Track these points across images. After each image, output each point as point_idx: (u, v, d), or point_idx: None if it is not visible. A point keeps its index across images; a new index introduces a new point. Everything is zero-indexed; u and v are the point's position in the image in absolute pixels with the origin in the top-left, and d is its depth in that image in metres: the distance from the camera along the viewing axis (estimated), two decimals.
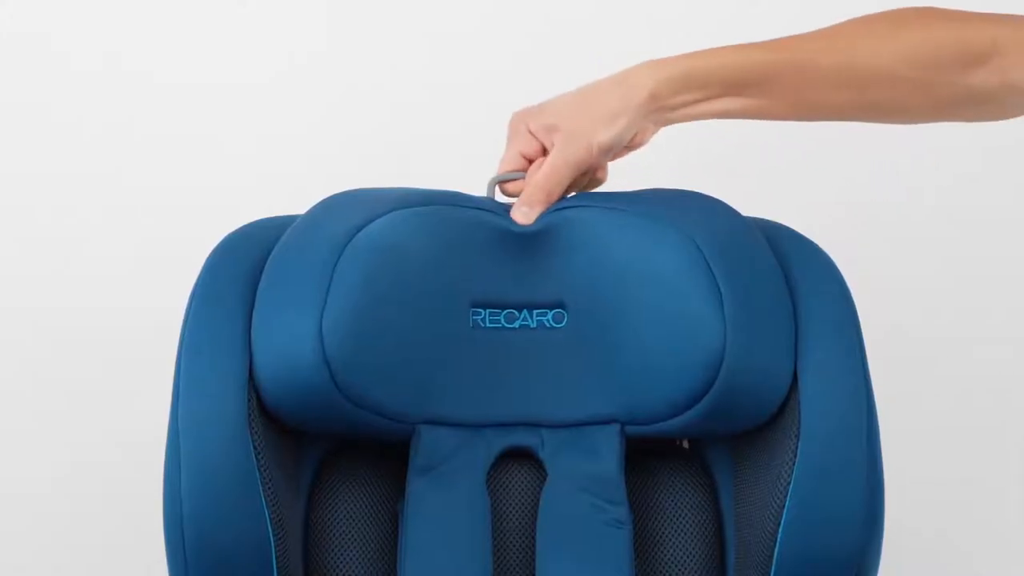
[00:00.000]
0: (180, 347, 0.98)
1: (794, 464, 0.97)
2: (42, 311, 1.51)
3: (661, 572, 1.02)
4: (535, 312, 1.02)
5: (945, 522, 1.58)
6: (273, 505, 0.96)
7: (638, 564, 1.01)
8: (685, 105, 1.03)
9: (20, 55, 1.50)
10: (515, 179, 1.05)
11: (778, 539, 0.97)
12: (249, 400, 0.96)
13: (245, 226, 1.04)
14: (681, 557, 1.02)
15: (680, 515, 1.03)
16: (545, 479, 1.00)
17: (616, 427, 1.00)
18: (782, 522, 0.97)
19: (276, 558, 0.96)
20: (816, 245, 1.04)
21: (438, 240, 1.00)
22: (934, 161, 1.55)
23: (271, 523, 0.96)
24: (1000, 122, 1.10)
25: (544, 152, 1.04)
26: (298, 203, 1.12)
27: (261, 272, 1.00)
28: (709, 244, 0.99)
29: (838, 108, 1.06)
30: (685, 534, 1.03)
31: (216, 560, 0.95)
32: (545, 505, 0.99)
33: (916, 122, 1.09)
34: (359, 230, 0.98)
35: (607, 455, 1.00)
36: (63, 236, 1.51)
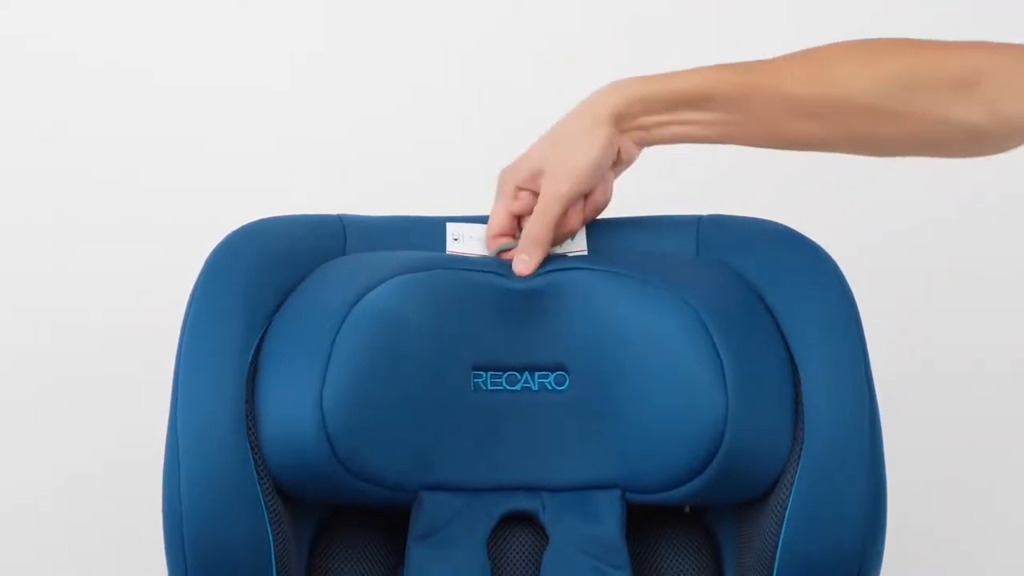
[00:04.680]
0: (180, 347, 0.98)
1: (798, 464, 0.97)
2: (42, 311, 1.51)
3: None
4: (536, 374, 1.01)
5: (947, 522, 1.58)
6: (271, 504, 0.96)
7: None
8: (657, 125, 1.02)
9: (23, 58, 1.50)
10: (511, 248, 1.04)
11: (780, 539, 0.97)
12: (247, 401, 0.96)
13: (245, 225, 1.04)
14: None
15: None
16: (546, 543, 1.00)
17: (617, 492, 1.00)
18: (784, 522, 0.97)
19: (276, 557, 0.96)
20: (817, 245, 1.04)
21: (438, 304, 0.99)
22: (935, 159, 1.55)
23: (270, 522, 0.96)
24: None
25: (533, 202, 1.03)
26: (298, 203, 1.12)
27: (261, 271, 1.00)
28: (709, 312, 0.98)
29: (813, 138, 1.03)
30: None
31: (215, 559, 0.95)
32: (547, 569, 0.99)
33: (896, 155, 1.06)
34: (359, 299, 0.98)
35: (609, 519, 0.99)
36: (63, 236, 1.51)
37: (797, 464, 0.97)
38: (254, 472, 0.95)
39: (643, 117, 1.01)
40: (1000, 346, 1.58)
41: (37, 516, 1.52)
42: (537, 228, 1.02)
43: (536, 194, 1.03)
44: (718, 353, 0.97)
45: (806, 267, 1.02)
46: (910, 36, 1.03)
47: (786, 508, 0.97)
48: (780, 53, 1.03)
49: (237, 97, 1.52)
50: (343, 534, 1.04)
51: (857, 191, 1.56)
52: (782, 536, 0.97)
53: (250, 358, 0.97)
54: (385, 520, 1.04)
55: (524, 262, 1.02)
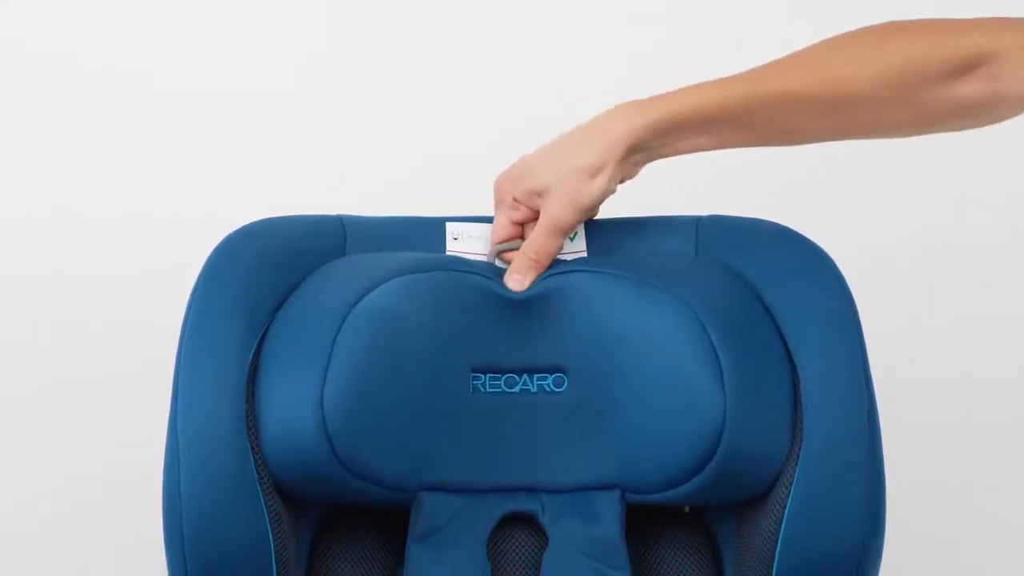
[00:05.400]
0: (180, 347, 0.98)
1: (797, 464, 0.97)
2: (42, 311, 1.51)
3: None
4: (535, 376, 1.01)
5: (947, 522, 1.58)
6: (272, 504, 0.96)
7: None
8: (666, 145, 1.02)
9: (23, 58, 1.50)
10: (514, 248, 1.04)
11: (779, 538, 0.97)
12: (247, 401, 0.96)
13: (246, 225, 1.04)
14: None
15: None
16: (546, 544, 1.00)
17: (617, 492, 1.00)
18: (784, 521, 0.97)
19: (276, 556, 0.96)
20: (817, 245, 1.04)
21: (437, 306, 1.00)
22: (937, 162, 1.55)
23: (270, 522, 0.96)
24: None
25: (534, 214, 1.04)
26: (298, 203, 1.12)
27: (261, 271, 1.00)
28: (708, 312, 0.98)
29: (821, 133, 1.04)
30: None
31: (215, 559, 0.95)
32: (546, 570, 0.99)
33: (902, 136, 1.08)
34: (359, 300, 0.98)
35: (608, 520, 1.00)
36: (63, 236, 1.51)
37: (796, 464, 0.97)
38: (254, 472, 0.95)
39: (653, 142, 1.01)
40: (1000, 347, 1.58)
41: (37, 516, 1.52)
42: (534, 254, 1.02)
43: (533, 210, 1.03)
44: (716, 353, 0.97)
45: (805, 267, 1.02)
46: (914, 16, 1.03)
47: (785, 507, 0.97)
48: (780, 52, 1.03)
49: (237, 97, 1.52)
50: (343, 534, 1.04)
51: (857, 191, 1.56)
52: (781, 535, 0.97)
53: (250, 358, 0.97)
54: (385, 520, 1.04)
55: (518, 281, 1.02)
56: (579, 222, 1.04)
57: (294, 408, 0.96)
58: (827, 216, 1.43)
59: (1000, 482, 1.59)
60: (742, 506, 1.02)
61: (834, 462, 0.97)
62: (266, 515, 0.96)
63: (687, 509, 1.07)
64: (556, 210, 1.02)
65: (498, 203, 1.05)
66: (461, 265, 1.03)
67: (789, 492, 0.97)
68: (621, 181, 1.04)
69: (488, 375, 1.01)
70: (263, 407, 0.97)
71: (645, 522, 1.04)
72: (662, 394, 0.98)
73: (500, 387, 1.01)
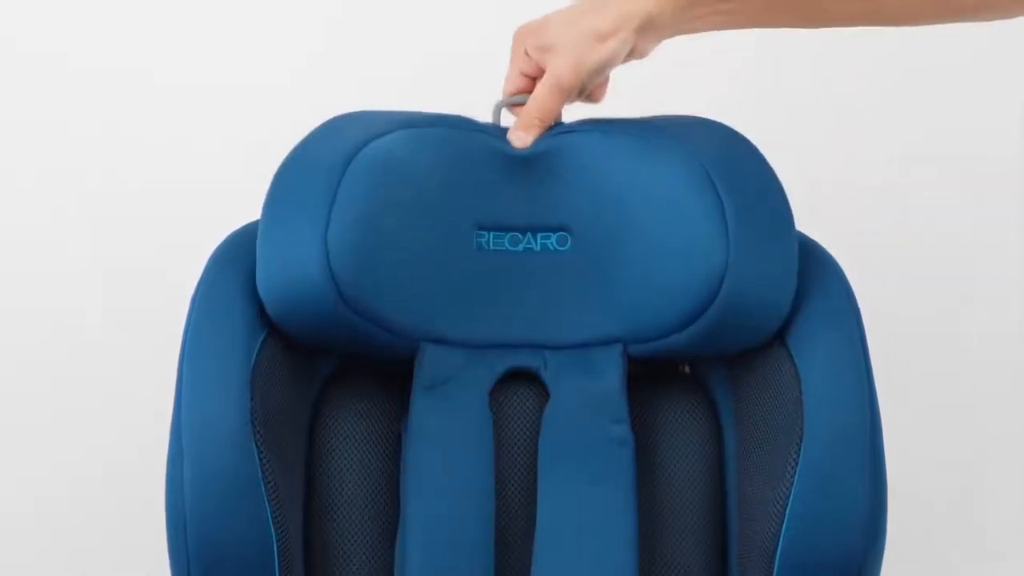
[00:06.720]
0: (183, 346, 0.98)
1: (797, 463, 0.97)
2: (42, 311, 1.50)
3: (662, 490, 1.03)
4: (539, 235, 1.02)
5: (947, 525, 1.58)
6: (275, 503, 0.96)
7: (639, 482, 1.01)
8: (684, 22, 1.02)
9: (23, 58, 1.50)
10: (520, 103, 1.05)
11: (780, 541, 0.97)
12: (252, 397, 0.96)
13: (248, 224, 1.04)
14: (682, 475, 1.03)
15: (682, 435, 1.04)
16: (548, 400, 1.01)
17: (619, 347, 1.01)
18: (784, 524, 0.97)
19: (279, 555, 0.96)
20: (817, 243, 1.04)
21: (443, 160, 1.00)
22: (936, 150, 1.55)
23: (273, 522, 0.96)
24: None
25: (542, 70, 1.04)
26: None
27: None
28: (713, 161, 0.99)
29: (847, 16, 1.03)
30: (686, 454, 1.04)
31: (218, 559, 0.95)
32: (547, 424, 1.00)
33: (928, 24, 1.05)
34: (364, 146, 0.99)
35: (610, 374, 1.00)
36: (63, 236, 1.51)
37: (796, 464, 0.97)
38: (259, 471, 0.95)
39: (669, 16, 1.01)
40: (1002, 344, 1.58)
41: (37, 516, 1.52)
42: (536, 107, 1.03)
43: (542, 67, 1.03)
44: (721, 201, 0.98)
45: (806, 265, 1.02)
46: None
47: (786, 507, 0.97)
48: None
49: (237, 97, 1.52)
50: (347, 390, 1.03)
51: (858, 190, 1.56)
52: (782, 536, 0.97)
53: (254, 357, 0.97)
54: (389, 380, 1.04)
55: (521, 138, 1.03)
56: (581, 84, 1.03)
57: (298, 246, 0.96)
58: (827, 215, 1.43)
59: (1002, 475, 1.59)
60: (738, 372, 1.02)
61: (835, 462, 0.97)
62: (269, 515, 0.96)
63: (686, 369, 1.07)
64: (559, 68, 1.02)
65: (513, 54, 1.06)
66: (468, 124, 1.04)
67: (790, 492, 0.97)
68: (631, 56, 1.03)
69: (492, 233, 1.02)
70: (263, 248, 0.97)
71: (645, 383, 1.04)
72: (665, 243, 0.99)
73: (504, 245, 1.02)
